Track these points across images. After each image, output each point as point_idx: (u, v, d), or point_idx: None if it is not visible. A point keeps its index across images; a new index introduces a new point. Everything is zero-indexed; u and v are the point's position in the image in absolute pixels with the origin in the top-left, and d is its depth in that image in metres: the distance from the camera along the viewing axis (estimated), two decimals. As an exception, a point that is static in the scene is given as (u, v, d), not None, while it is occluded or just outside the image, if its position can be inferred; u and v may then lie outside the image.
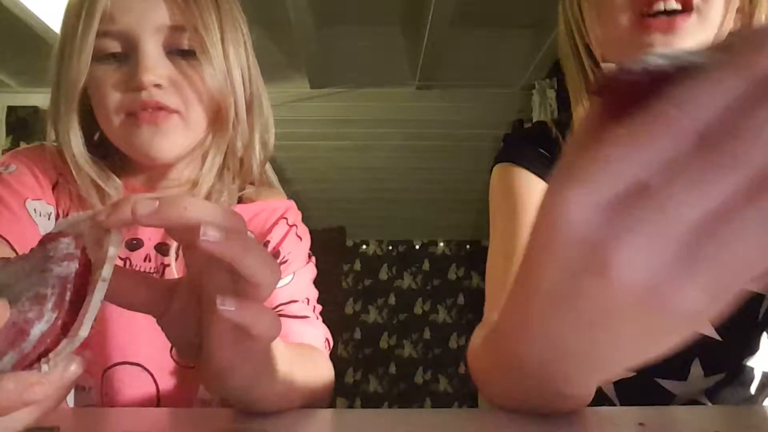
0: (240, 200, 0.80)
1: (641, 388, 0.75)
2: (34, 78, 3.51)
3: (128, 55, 0.70)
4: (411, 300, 5.77)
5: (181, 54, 0.71)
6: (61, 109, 0.71)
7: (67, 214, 0.72)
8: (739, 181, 0.22)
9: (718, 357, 0.74)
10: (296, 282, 0.77)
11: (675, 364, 0.74)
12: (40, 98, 3.63)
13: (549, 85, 3.21)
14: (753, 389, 0.77)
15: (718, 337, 0.73)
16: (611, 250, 0.24)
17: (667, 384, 0.75)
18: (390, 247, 5.87)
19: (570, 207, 0.24)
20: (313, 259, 0.83)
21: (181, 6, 0.70)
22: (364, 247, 5.84)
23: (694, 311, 0.24)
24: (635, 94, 0.25)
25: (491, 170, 0.83)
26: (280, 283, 0.76)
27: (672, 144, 0.23)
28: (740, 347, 0.75)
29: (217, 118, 0.74)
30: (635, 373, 0.75)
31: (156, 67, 0.69)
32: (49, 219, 0.70)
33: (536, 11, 2.81)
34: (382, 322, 5.76)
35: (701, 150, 0.23)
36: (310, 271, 0.81)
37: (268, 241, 0.78)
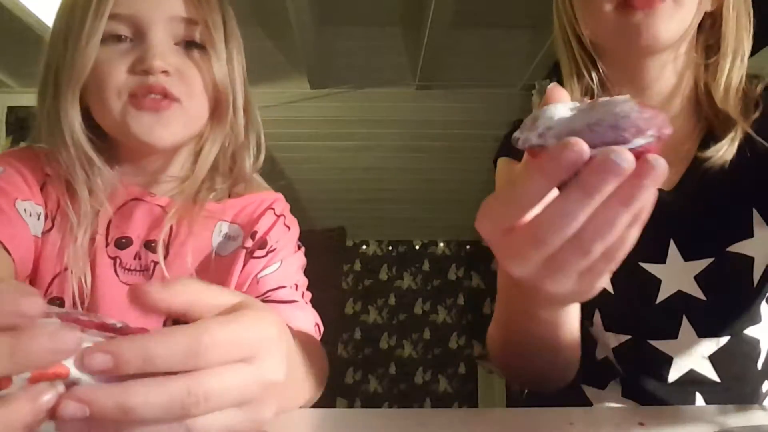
0: (228, 196, 0.81)
1: (637, 352, 0.77)
2: (34, 78, 3.50)
3: (134, 40, 0.71)
4: (411, 300, 5.76)
5: (188, 46, 0.73)
6: (65, 89, 0.71)
7: (54, 216, 0.72)
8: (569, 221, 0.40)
9: (708, 318, 0.76)
10: (284, 269, 0.77)
11: (663, 323, 0.77)
12: (40, 98, 3.63)
13: (549, 85, 3.21)
14: (760, 364, 0.77)
15: (702, 297, 0.76)
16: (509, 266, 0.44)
17: (660, 345, 0.76)
18: (390, 247, 5.86)
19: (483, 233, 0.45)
20: (303, 249, 0.83)
21: (194, 0, 0.73)
22: (364, 247, 5.84)
23: (567, 291, 0.44)
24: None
25: (495, 164, 0.88)
26: (268, 270, 0.76)
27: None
28: (734, 311, 0.76)
29: (215, 114, 0.76)
30: (629, 336, 0.77)
31: (166, 54, 0.70)
32: (38, 219, 0.70)
33: (536, 11, 2.81)
34: (382, 322, 5.76)
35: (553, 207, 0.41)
36: (299, 259, 0.81)
37: (256, 231, 0.78)
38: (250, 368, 0.35)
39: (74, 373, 0.32)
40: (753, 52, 0.77)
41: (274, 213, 0.80)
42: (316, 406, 0.85)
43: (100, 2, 0.69)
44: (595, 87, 0.79)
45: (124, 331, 0.36)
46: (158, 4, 0.71)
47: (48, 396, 0.31)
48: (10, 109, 3.65)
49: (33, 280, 0.69)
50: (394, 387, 5.64)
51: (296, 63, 3.15)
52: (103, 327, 0.35)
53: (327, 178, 4.47)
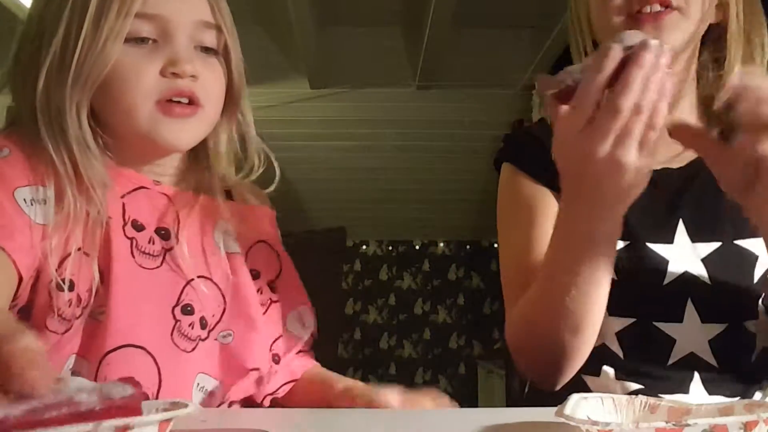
0: (230, 196, 0.82)
1: (641, 335, 0.78)
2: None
3: (160, 43, 0.71)
4: (411, 300, 5.77)
5: (206, 51, 0.74)
6: (79, 82, 0.68)
7: (63, 198, 0.68)
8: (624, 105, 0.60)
9: (712, 303, 0.77)
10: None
11: (670, 305, 0.78)
12: (40, 98, 3.63)
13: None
14: (754, 357, 0.78)
15: (707, 280, 0.78)
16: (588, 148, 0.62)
17: (666, 327, 0.78)
18: (390, 247, 5.87)
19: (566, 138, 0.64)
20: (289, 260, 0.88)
21: (212, 5, 0.74)
22: (364, 247, 5.84)
23: (634, 163, 0.61)
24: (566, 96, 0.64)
25: (495, 165, 0.92)
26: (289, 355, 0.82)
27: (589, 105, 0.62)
28: (735, 300, 0.78)
29: (225, 113, 0.78)
30: (634, 319, 0.78)
31: (193, 59, 0.71)
32: (45, 204, 0.66)
33: (536, 11, 2.81)
34: (382, 323, 5.76)
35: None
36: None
37: (266, 241, 0.83)
38: None
39: None
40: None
41: (272, 248, 0.84)
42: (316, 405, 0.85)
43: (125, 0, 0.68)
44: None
45: (95, 414, 0.38)
46: (186, 7, 0.72)
47: None
48: (10, 110, 3.64)
49: (44, 265, 0.65)
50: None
51: (296, 63, 3.15)
52: (72, 416, 0.37)
53: (327, 178, 4.47)
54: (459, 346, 5.68)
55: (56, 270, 0.65)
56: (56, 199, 0.67)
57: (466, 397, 5.46)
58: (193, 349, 0.71)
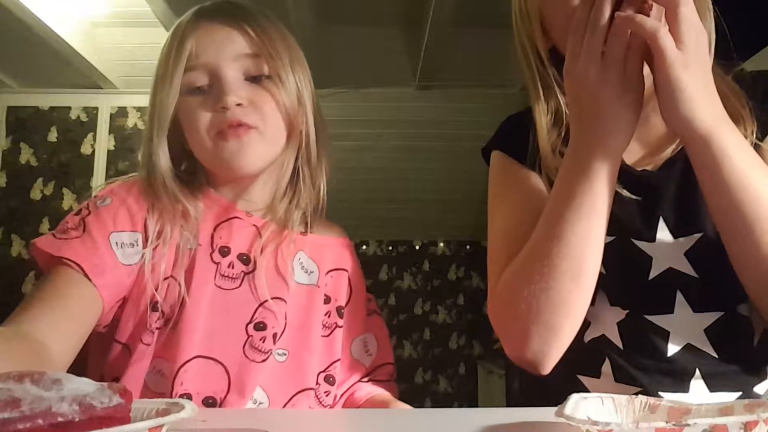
0: (310, 228, 0.92)
1: (637, 327, 0.78)
2: (34, 78, 3.50)
3: (212, 86, 0.82)
4: (411, 300, 5.77)
5: (257, 79, 0.83)
6: (154, 134, 0.82)
7: (161, 233, 0.80)
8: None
9: (701, 293, 0.77)
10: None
11: (658, 298, 0.78)
12: (40, 98, 3.63)
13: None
14: (756, 341, 0.78)
15: (693, 273, 0.77)
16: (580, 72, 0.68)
17: (657, 320, 0.77)
18: (390, 248, 5.87)
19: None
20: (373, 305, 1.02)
21: (253, 37, 0.83)
22: (364, 247, 5.84)
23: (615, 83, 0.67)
24: None
25: (483, 155, 0.97)
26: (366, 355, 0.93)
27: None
28: (724, 287, 0.76)
29: (290, 136, 0.86)
30: (627, 311, 0.79)
31: (237, 89, 0.81)
32: (133, 247, 0.78)
33: (536, 11, 2.81)
34: (382, 322, 5.76)
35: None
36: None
37: (345, 269, 0.94)
38: None
39: None
40: (751, 53, 0.76)
41: (348, 277, 0.94)
42: (316, 406, 0.86)
43: (176, 58, 0.81)
44: (563, 105, 0.81)
45: (74, 426, 0.38)
46: (223, 47, 0.82)
47: None
48: (10, 109, 3.65)
49: (137, 293, 0.78)
50: (394, 387, 5.64)
51: (296, 63, 3.15)
52: (49, 428, 0.37)
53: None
54: (459, 346, 5.68)
55: (151, 296, 0.77)
56: (157, 237, 0.80)
57: (466, 397, 5.47)
58: (264, 360, 0.80)
